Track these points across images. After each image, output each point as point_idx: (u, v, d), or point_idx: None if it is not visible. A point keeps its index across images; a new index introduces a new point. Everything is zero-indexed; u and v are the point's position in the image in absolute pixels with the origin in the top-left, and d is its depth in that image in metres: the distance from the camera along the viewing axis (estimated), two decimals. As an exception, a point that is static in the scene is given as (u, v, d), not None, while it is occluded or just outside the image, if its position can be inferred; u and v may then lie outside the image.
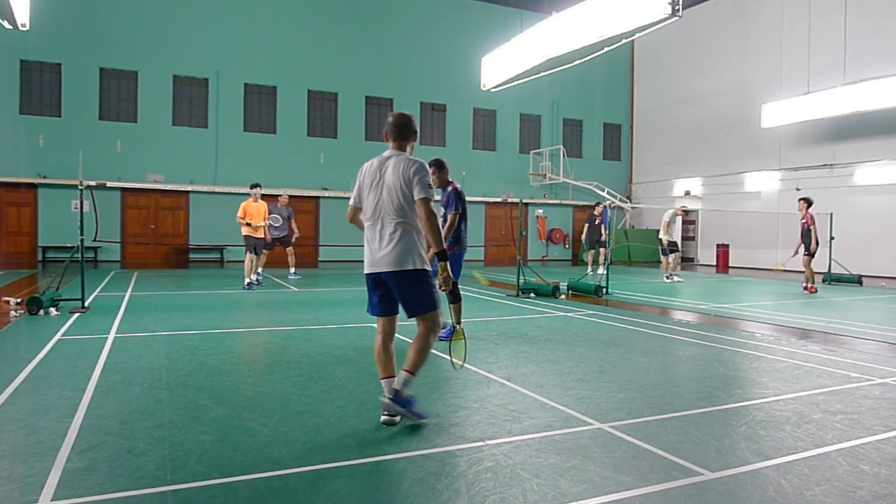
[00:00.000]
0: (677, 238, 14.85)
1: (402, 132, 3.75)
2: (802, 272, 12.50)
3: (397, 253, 3.56)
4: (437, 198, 4.58)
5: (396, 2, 21.54)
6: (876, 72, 16.17)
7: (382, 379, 3.69)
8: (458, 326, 5.81)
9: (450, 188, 6.22)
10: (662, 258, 14.70)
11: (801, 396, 4.39)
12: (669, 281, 14.24)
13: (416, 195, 3.56)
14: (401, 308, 3.72)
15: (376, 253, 3.62)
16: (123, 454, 3.04)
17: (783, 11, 19.58)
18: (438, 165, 6.14)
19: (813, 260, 12.30)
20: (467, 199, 6.48)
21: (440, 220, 5.53)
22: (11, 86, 17.11)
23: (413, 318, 3.68)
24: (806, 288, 12.13)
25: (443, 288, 3.68)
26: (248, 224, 11.33)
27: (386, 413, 3.60)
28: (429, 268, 3.71)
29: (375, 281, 3.69)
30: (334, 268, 17.81)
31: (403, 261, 3.57)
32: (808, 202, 12.55)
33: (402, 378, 3.64)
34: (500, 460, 3.06)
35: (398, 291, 3.63)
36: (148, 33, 18.38)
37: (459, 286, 6.35)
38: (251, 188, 11.64)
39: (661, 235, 14.59)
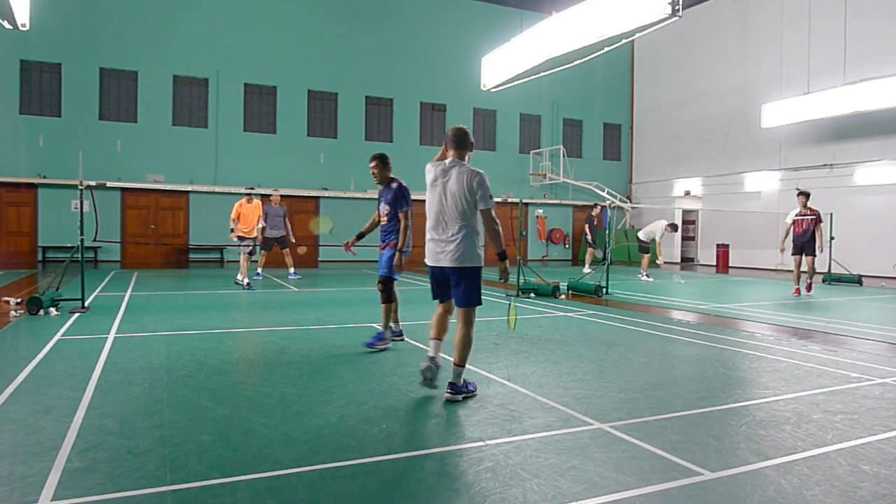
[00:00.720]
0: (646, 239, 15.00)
1: (462, 143, 4.27)
2: (801, 270, 12.00)
3: (461, 253, 4.12)
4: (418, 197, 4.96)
5: (396, 2, 21.55)
6: (876, 72, 16.18)
7: (431, 339, 4.31)
8: (390, 329, 5.93)
9: (395, 185, 5.78)
10: (647, 256, 14.92)
11: (801, 396, 4.39)
12: (651, 280, 14.54)
13: (480, 205, 4.14)
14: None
15: (441, 251, 4.19)
16: (123, 454, 3.04)
17: (783, 12, 19.58)
18: (382, 160, 5.82)
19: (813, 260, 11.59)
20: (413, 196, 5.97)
21: (385, 219, 5.79)
22: (11, 86, 17.12)
23: (457, 309, 4.28)
24: (799, 290, 11.48)
25: (503, 279, 4.32)
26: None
27: (423, 371, 4.20)
28: (482, 264, 4.24)
29: (439, 274, 4.30)
30: (334, 268, 17.82)
31: (464, 259, 4.13)
32: (808, 195, 11.62)
33: (454, 372, 4.14)
34: (500, 460, 3.06)
35: (455, 283, 4.21)
36: (148, 33, 18.38)
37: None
38: (247, 190, 11.75)
39: (641, 236, 14.88)
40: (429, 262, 4.28)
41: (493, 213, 4.15)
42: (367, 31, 20.99)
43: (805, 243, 11.52)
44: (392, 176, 5.89)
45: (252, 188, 11.92)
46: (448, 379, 4.16)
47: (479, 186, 4.10)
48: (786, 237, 11.67)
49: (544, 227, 23.73)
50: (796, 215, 11.65)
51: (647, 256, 14.91)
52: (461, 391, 4.12)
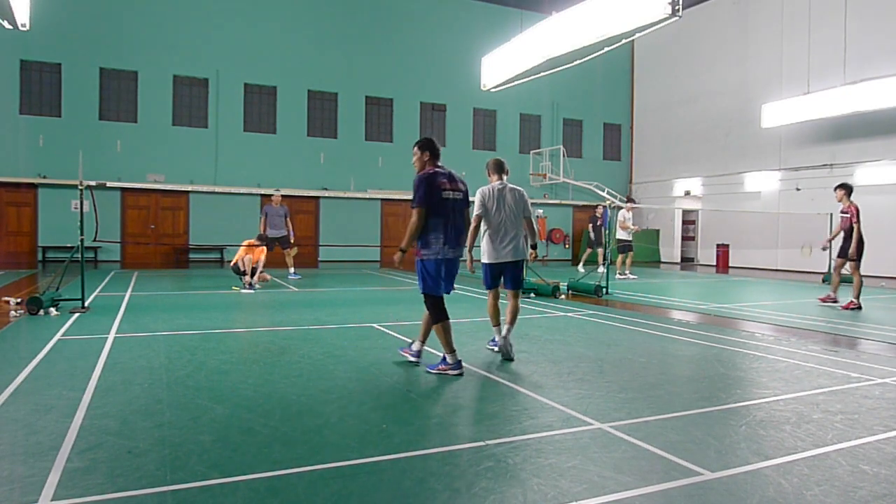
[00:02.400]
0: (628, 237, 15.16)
1: (502, 168, 5.69)
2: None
3: (517, 249, 5.54)
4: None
5: (396, 2, 21.55)
6: (876, 72, 16.18)
7: (494, 326, 5.64)
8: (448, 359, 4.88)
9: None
10: (620, 256, 15.00)
11: (801, 396, 4.39)
12: (624, 277, 14.66)
13: (527, 214, 5.63)
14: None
15: (502, 250, 5.50)
16: (123, 454, 3.04)
17: (783, 11, 19.58)
18: (421, 146, 5.03)
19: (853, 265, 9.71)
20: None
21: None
22: (11, 86, 17.11)
23: (505, 291, 5.75)
24: (844, 304, 9.57)
25: (531, 260, 5.96)
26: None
27: (499, 349, 5.54)
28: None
29: (499, 267, 5.58)
30: (334, 268, 17.81)
31: (518, 254, 5.57)
32: (849, 189, 9.80)
33: (508, 330, 5.56)
34: (500, 460, 3.06)
35: (512, 272, 5.63)
36: (148, 33, 18.38)
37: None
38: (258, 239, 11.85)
39: (622, 235, 14.96)
40: (491, 259, 5.54)
41: (533, 220, 5.71)
42: (367, 31, 20.99)
43: (842, 246, 9.83)
44: (431, 167, 4.96)
45: (266, 240, 12.04)
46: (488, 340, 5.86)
47: (526, 200, 5.65)
48: (833, 237, 9.99)
49: (544, 227, 23.72)
50: (841, 212, 9.88)
51: (630, 255, 15.13)
52: (510, 343, 5.55)
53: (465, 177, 5.31)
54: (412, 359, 5.19)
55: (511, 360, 5.42)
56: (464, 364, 4.95)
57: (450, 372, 4.83)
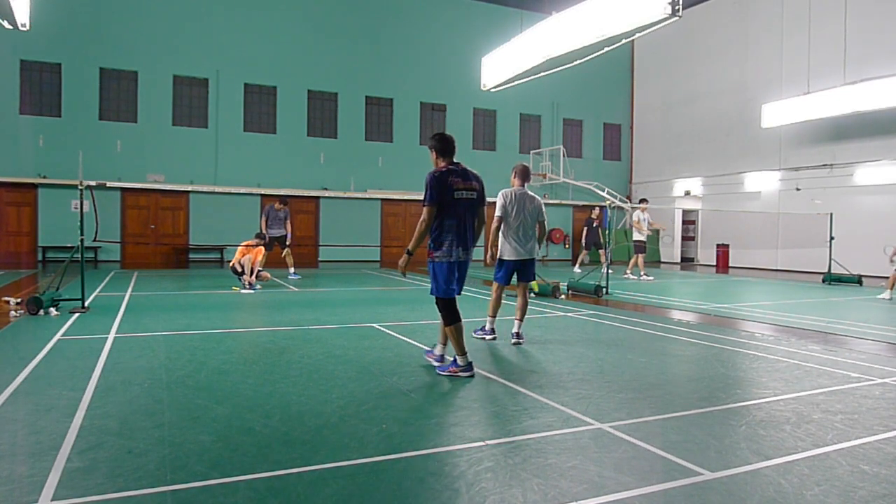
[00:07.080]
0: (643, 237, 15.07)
1: (527, 175, 6.43)
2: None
3: (533, 248, 6.27)
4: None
5: (396, 2, 21.54)
6: (876, 72, 16.17)
7: (491, 316, 6.44)
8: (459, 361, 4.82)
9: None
10: (639, 257, 14.96)
11: (801, 396, 4.39)
12: (649, 279, 14.58)
13: (541, 218, 6.33)
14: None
15: (522, 249, 6.17)
16: (123, 454, 3.04)
17: (783, 11, 19.57)
18: (430, 146, 4.98)
19: None
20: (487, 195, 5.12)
21: None
22: (11, 86, 17.11)
23: (515, 284, 6.43)
24: None
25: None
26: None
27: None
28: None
29: (516, 263, 6.22)
30: (334, 268, 17.81)
31: (534, 252, 6.30)
32: None
33: (519, 325, 6.28)
34: (500, 460, 3.06)
35: (527, 267, 6.28)
36: (148, 33, 18.38)
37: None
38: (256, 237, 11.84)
39: (637, 236, 14.94)
40: (511, 257, 6.17)
41: (546, 224, 6.45)
42: (367, 31, 20.99)
43: None
44: (440, 165, 4.85)
45: (266, 240, 12.11)
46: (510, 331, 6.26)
47: (542, 207, 6.27)
48: None
49: (544, 227, 23.70)
50: None
51: (642, 256, 14.99)
52: (523, 338, 6.22)
53: None
54: (435, 363, 5.07)
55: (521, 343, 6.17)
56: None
57: (461, 374, 4.77)
